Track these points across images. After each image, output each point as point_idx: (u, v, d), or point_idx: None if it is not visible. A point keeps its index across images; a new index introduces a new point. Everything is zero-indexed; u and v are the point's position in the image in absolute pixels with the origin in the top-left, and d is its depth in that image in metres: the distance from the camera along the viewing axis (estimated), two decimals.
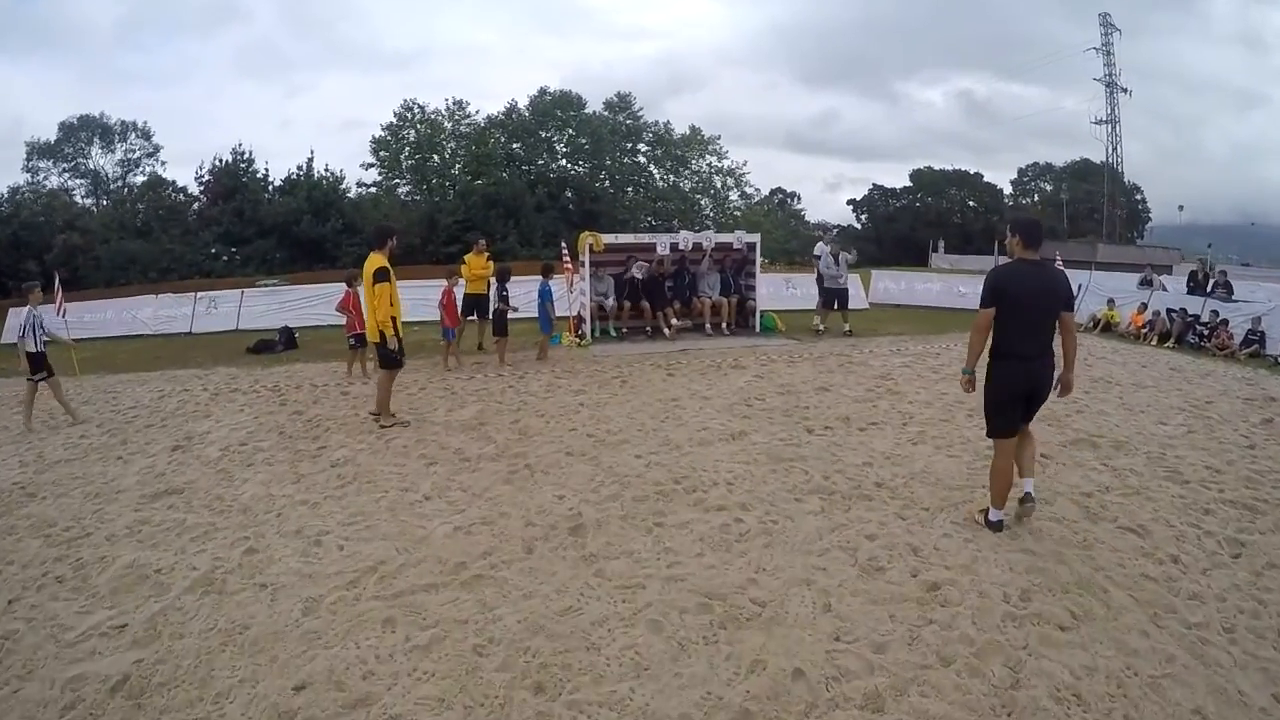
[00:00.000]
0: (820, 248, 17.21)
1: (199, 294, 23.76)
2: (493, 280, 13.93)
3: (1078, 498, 6.68)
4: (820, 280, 17.06)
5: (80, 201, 55.12)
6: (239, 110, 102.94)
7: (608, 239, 15.88)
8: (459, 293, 13.76)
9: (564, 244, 14.06)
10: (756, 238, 17.28)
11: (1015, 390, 5.67)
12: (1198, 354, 15.37)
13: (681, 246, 16.12)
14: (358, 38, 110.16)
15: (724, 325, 16.46)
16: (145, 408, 11.12)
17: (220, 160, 49.04)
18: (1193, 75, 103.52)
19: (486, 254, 15.32)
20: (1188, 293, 19.49)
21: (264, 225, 44.71)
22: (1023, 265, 5.59)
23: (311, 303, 21.73)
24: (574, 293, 13.72)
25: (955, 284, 24.74)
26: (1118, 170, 65.98)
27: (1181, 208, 72.99)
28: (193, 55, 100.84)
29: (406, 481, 7.41)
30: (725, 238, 17.06)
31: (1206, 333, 16.05)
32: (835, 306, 16.93)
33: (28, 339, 10.30)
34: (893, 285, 25.37)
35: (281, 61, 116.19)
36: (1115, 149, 65.42)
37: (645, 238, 16.17)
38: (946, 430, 8.89)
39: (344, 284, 13.62)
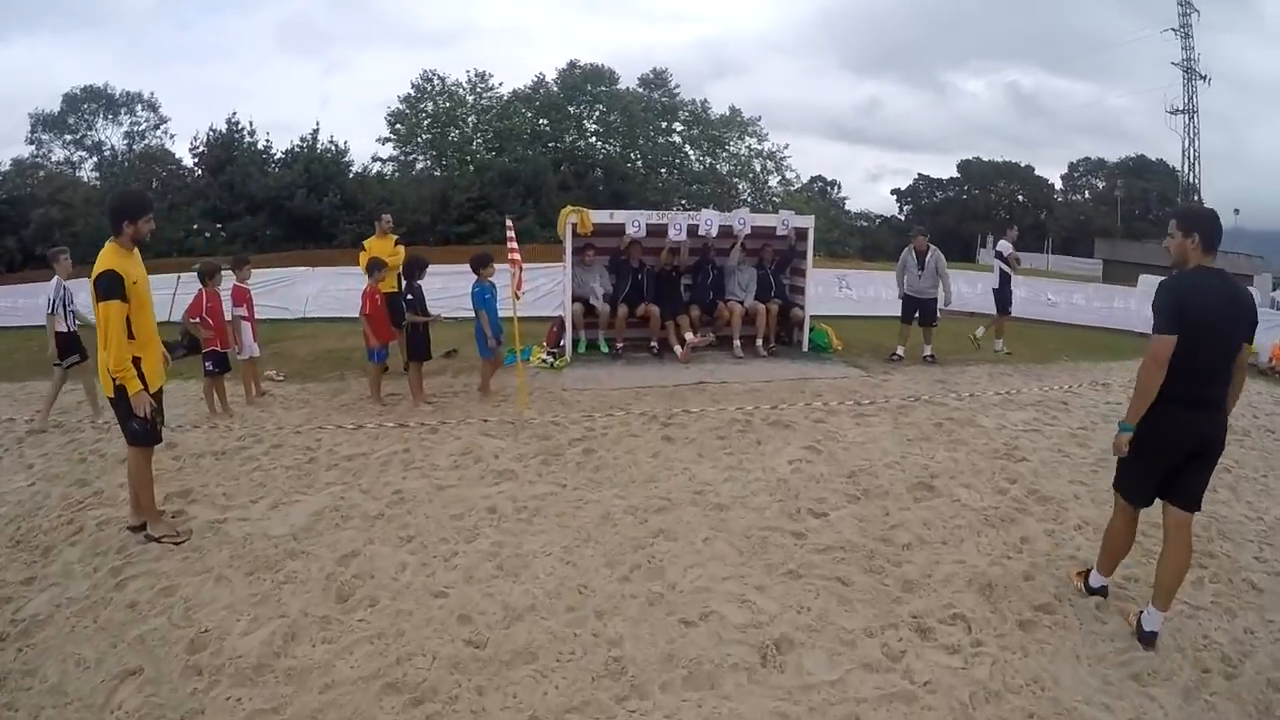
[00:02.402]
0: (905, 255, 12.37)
1: None
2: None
3: None
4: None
5: (86, 176, 51.75)
6: (276, 86, 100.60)
7: (599, 217, 11.29)
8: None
9: (509, 221, 9.38)
10: (809, 221, 12.52)
11: (1169, 446, 4.10)
12: None
13: (703, 231, 11.45)
14: (398, 15, 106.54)
15: (760, 342, 11.80)
16: None
17: (215, 130, 45.09)
18: (1242, 74, 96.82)
19: (394, 236, 10.89)
20: None
21: (255, 200, 40.61)
22: (1203, 276, 4.03)
23: (257, 290, 17.35)
24: (521, 295, 9.14)
25: (1041, 290, 20.08)
26: (1195, 164, 59.37)
27: (1238, 211, 66.15)
28: (232, 30, 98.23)
29: None
30: (766, 219, 12.32)
31: None
32: (916, 320, 12.24)
33: (58, 316, 8.58)
34: (968, 289, 20.60)
35: (320, 37, 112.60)
36: (1193, 141, 58.90)
37: (654, 216, 11.68)
38: (1187, 625, 4.36)
39: (199, 279, 9.11)
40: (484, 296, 8.79)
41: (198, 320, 8.73)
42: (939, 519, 5.66)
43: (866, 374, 10.92)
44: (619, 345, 11.63)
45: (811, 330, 12.36)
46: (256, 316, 9.73)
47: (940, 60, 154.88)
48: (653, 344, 11.73)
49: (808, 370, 10.89)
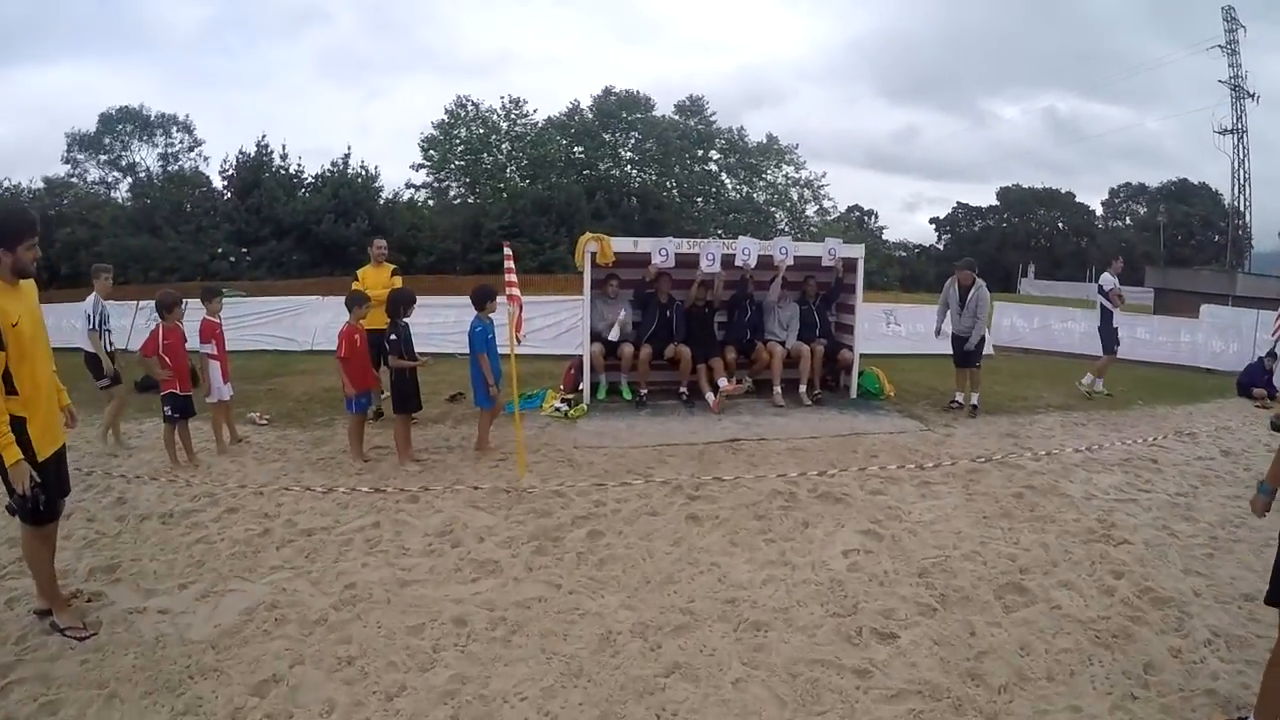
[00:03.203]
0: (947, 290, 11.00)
1: (140, 303, 18.84)
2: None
3: None
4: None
5: (121, 197, 51.56)
6: (316, 113, 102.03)
7: (621, 245, 10.07)
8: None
9: (506, 249, 8.09)
10: (858, 251, 11.10)
11: None
12: None
13: (740, 261, 10.16)
14: (437, 45, 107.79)
15: (803, 388, 10.43)
16: None
17: (244, 154, 44.72)
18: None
19: (392, 266, 9.86)
20: None
21: (282, 224, 40.02)
22: None
23: (264, 319, 16.49)
24: (523, 337, 7.87)
25: None
26: (1245, 185, 56.30)
27: None
28: (275, 58, 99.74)
29: None
30: (810, 248, 10.98)
31: None
32: (959, 363, 10.78)
33: (98, 334, 8.27)
34: (1022, 323, 19.21)
35: (361, 65, 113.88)
36: (1243, 162, 55.83)
37: (684, 245, 10.35)
38: None
39: (157, 312, 8.01)
40: (485, 336, 7.60)
41: (155, 359, 7.61)
42: (1039, 639, 4.31)
43: (925, 427, 9.53)
44: (643, 391, 10.31)
45: (861, 374, 11.01)
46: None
47: (975, 87, 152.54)
48: (682, 390, 10.42)
49: (859, 423, 9.50)
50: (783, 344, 10.53)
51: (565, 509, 6.25)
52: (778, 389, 10.29)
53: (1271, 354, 13.12)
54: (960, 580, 5.07)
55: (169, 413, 7.64)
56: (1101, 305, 12.31)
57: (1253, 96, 54.54)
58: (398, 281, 9.44)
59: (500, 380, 7.79)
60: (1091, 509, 6.62)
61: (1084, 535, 6.00)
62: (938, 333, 10.89)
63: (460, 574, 5.07)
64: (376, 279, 9.42)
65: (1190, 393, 12.79)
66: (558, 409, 9.52)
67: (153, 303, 8.14)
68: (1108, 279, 12.32)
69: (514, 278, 7.61)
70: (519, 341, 7.56)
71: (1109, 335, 12.29)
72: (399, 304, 7.68)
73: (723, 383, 9.88)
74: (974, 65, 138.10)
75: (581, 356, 10.31)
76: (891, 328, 16.54)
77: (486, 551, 5.40)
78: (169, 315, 7.72)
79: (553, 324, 14.43)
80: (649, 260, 9.93)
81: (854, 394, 10.87)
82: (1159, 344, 17.27)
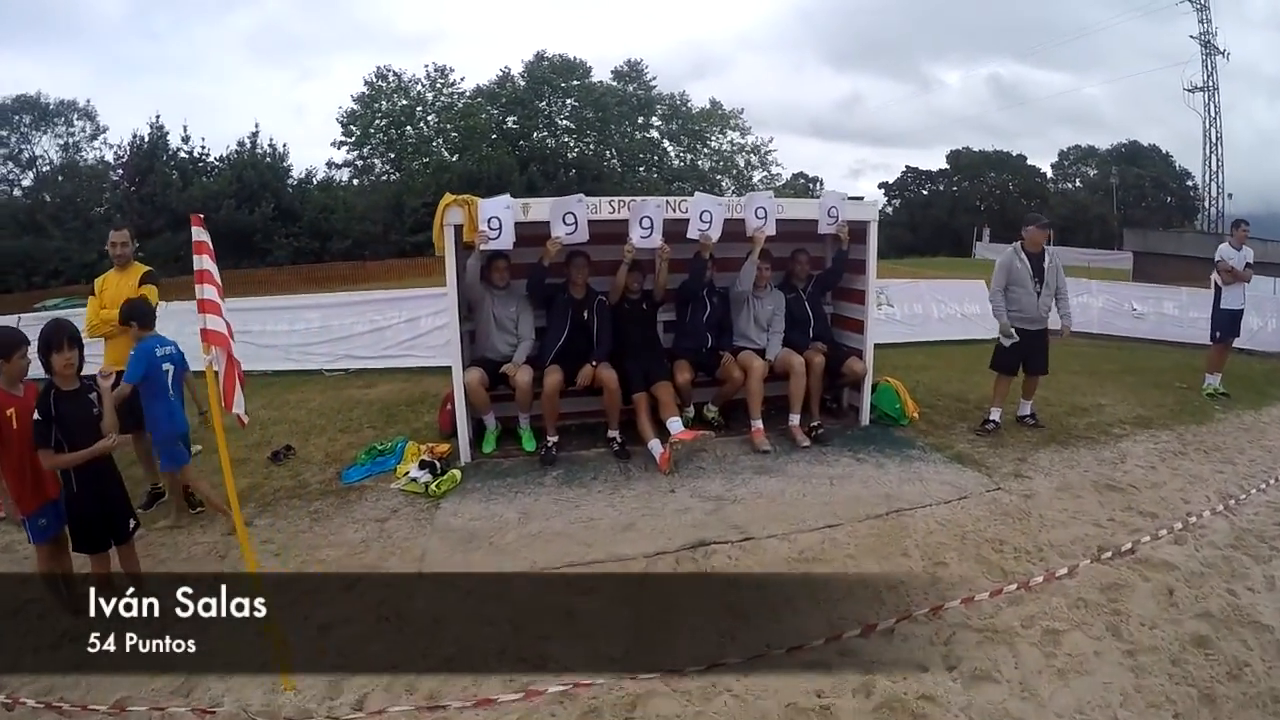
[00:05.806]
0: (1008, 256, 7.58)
1: None
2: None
3: None
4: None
5: (23, 193, 46.77)
6: (252, 96, 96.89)
7: (493, 206, 6.21)
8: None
9: (199, 227, 4.33)
10: (872, 213, 7.41)
11: None
12: None
13: (695, 232, 6.53)
14: (371, 20, 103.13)
15: (796, 419, 6.91)
16: None
17: (138, 137, 40.32)
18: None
19: (144, 268, 6.04)
20: None
21: (177, 214, 35.88)
22: None
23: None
24: (241, 417, 4.21)
25: (1126, 296, 15.62)
26: (1218, 144, 54.87)
27: (1231, 195, 59.89)
28: (202, 40, 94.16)
29: None
30: (801, 208, 7.27)
31: None
32: (1021, 369, 7.49)
33: None
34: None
35: (293, 44, 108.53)
36: (1215, 120, 54.46)
37: (604, 207, 6.46)
38: None
39: None
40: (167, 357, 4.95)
41: None
42: None
43: (991, 481, 6.06)
44: (551, 439, 6.63)
45: (876, 389, 7.56)
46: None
47: (919, 53, 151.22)
48: (611, 434, 6.76)
49: (892, 482, 5.99)
50: (763, 354, 6.98)
51: None
52: (758, 424, 6.75)
53: None
54: None
55: None
56: (1215, 283, 9.64)
57: (1223, 53, 53.66)
58: (150, 295, 5.73)
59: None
60: None
61: None
62: (1007, 334, 7.49)
63: None
64: (119, 290, 5.74)
65: (1254, 386, 10.12)
66: (414, 479, 5.97)
67: None
68: (1225, 250, 9.51)
69: (213, 293, 3.91)
70: (237, 421, 4.02)
71: (1216, 318, 9.57)
72: (45, 347, 3.91)
73: (675, 425, 6.29)
74: (916, 31, 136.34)
75: (455, 394, 6.57)
76: (884, 310, 13.01)
77: None
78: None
79: (443, 325, 10.76)
80: (548, 234, 6.34)
81: (865, 419, 7.43)
82: (1191, 321, 14.36)
